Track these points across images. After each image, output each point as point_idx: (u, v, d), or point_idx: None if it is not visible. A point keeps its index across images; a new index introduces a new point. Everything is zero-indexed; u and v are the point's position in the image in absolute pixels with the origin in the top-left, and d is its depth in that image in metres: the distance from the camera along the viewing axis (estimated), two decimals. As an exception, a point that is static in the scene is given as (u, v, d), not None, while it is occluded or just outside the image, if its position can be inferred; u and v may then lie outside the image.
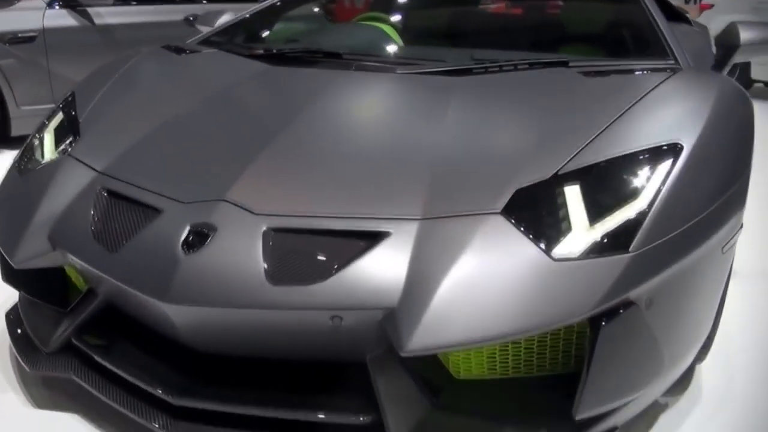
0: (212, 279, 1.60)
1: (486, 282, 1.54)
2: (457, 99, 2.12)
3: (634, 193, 1.68)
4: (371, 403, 1.63)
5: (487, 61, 2.43)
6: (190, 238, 1.67)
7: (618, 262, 1.57)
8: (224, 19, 3.33)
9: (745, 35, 2.57)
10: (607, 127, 1.84)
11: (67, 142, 2.21)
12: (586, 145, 1.78)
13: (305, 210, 1.71)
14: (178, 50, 2.75)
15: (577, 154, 1.76)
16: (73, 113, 2.31)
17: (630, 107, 1.92)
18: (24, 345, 2.04)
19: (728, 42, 2.62)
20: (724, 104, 1.97)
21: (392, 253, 1.60)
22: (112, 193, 1.91)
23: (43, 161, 2.20)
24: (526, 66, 2.35)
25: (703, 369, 2.24)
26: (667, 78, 2.12)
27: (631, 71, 2.29)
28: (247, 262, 1.61)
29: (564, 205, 1.67)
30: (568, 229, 1.62)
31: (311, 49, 2.61)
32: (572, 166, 1.73)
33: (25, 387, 2.08)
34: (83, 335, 1.94)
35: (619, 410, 1.68)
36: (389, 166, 1.84)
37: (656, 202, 1.65)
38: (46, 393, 2.04)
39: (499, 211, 1.65)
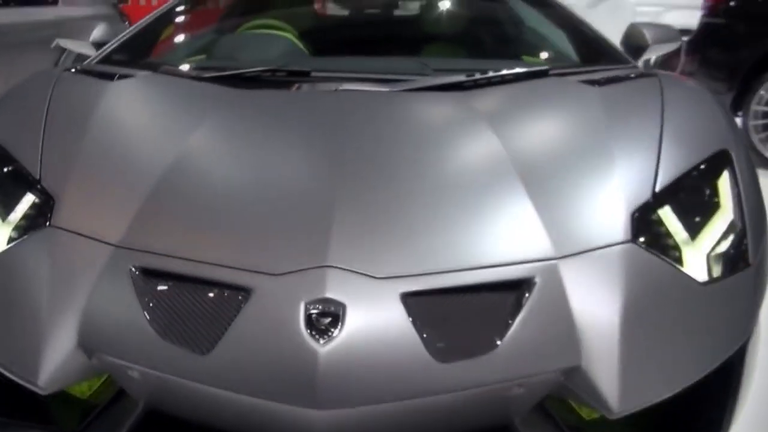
0: (367, 370, 1.31)
1: (659, 321, 1.47)
2: (489, 118, 1.97)
3: (717, 205, 1.71)
4: None
5: (457, 71, 2.31)
6: (313, 320, 1.35)
7: (748, 277, 1.60)
8: (100, 32, 2.76)
9: (650, 35, 2.74)
10: (660, 142, 1.84)
11: (28, 206, 1.67)
12: (658, 161, 1.77)
13: (429, 266, 1.47)
14: (101, 75, 2.21)
15: (657, 171, 1.74)
16: (19, 168, 1.74)
17: (662, 120, 1.93)
18: None
19: (636, 43, 2.78)
20: (720, 105, 2.09)
21: (550, 303, 1.44)
22: (151, 273, 1.47)
23: None
24: (511, 77, 2.28)
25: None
26: (662, 86, 2.15)
27: (620, 79, 2.31)
28: (402, 340, 1.34)
29: (664, 224, 1.65)
30: (679, 250, 1.61)
31: (270, 68, 2.27)
32: (660, 185, 1.71)
33: None
34: None
35: None
36: (486, 200, 1.64)
37: (744, 209, 1.70)
38: None
39: (630, 239, 1.57)
